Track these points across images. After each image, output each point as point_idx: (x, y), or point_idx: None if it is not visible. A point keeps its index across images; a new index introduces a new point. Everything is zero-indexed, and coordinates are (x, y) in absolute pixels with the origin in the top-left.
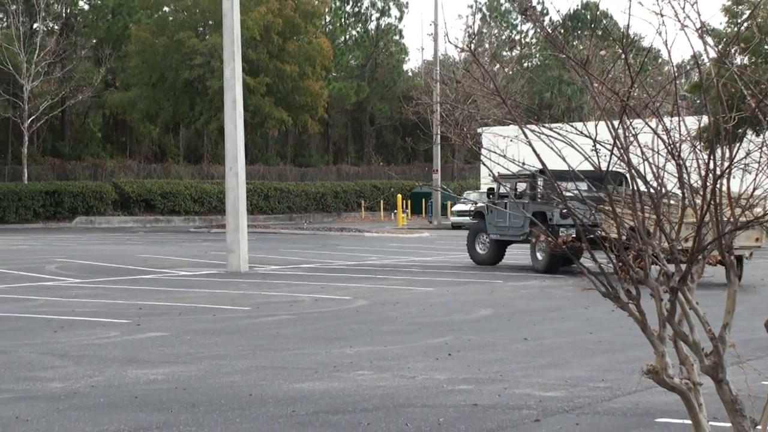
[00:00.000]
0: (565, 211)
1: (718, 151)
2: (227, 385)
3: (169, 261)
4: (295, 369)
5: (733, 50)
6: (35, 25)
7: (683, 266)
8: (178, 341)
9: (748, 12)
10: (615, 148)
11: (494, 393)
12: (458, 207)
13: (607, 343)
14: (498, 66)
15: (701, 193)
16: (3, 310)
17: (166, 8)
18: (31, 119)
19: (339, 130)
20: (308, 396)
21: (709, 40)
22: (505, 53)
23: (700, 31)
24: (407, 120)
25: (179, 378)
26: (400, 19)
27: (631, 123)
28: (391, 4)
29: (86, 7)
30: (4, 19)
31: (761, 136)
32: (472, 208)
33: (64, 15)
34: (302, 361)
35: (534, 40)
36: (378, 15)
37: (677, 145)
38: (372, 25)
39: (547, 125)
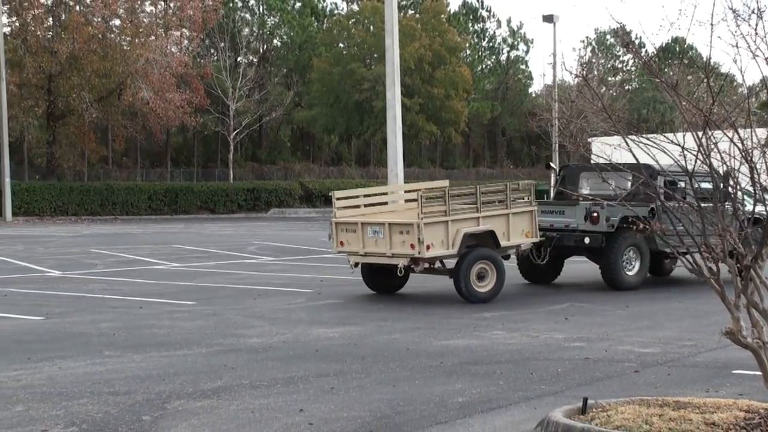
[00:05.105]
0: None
1: None
2: (389, 342)
3: None
4: (443, 329)
5: None
6: (239, 59)
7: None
8: (351, 306)
9: None
10: (699, 154)
11: (601, 349)
12: None
13: (693, 309)
14: (604, 88)
15: None
16: (215, 282)
17: (341, 44)
18: (235, 132)
19: (477, 139)
20: (453, 350)
21: None
22: (610, 78)
23: None
24: (532, 132)
25: (351, 336)
26: (527, 52)
27: (712, 133)
28: (519, 39)
29: (279, 43)
30: (215, 54)
31: None
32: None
33: (261, 50)
34: (448, 323)
35: (633, 68)
36: (508, 49)
37: (750, 151)
38: (503, 57)
39: (644, 136)
